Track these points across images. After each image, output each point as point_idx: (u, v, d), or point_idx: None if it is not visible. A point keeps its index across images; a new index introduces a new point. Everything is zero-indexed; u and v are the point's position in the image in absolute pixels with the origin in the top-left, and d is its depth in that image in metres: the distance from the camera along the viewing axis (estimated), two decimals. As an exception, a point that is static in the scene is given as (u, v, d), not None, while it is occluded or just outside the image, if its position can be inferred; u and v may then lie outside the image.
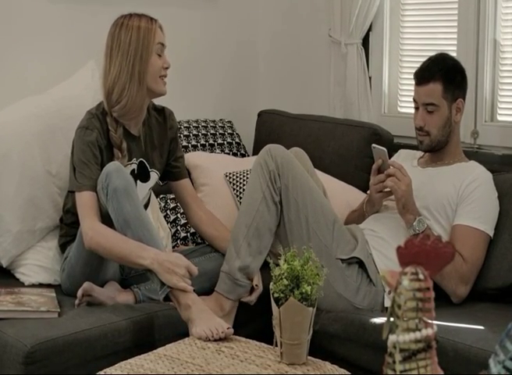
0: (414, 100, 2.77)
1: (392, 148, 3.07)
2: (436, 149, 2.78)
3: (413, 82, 2.79)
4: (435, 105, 2.71)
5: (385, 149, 2.70)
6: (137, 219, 2.41)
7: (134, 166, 2.66)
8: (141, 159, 2.68)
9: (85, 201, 2.48)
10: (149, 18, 2.60)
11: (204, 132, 3.44)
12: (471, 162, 2.80)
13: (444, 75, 2.70)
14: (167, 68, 2.61)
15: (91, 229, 2.43)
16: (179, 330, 2.35)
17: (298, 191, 2.60)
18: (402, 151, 3.01)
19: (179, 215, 3.09)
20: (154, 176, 2.74)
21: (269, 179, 2.59)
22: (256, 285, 2.61)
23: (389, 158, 2.78)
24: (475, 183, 2.68)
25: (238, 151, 3.51)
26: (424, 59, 2.80)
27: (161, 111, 2.77)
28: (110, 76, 2.57)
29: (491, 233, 2.66)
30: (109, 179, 2.42)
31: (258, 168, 2.62)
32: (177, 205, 3.10)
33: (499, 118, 3.14)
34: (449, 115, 2.73)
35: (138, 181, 2.67)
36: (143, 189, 2.70)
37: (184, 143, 3.32)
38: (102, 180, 2.44)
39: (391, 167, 2.66)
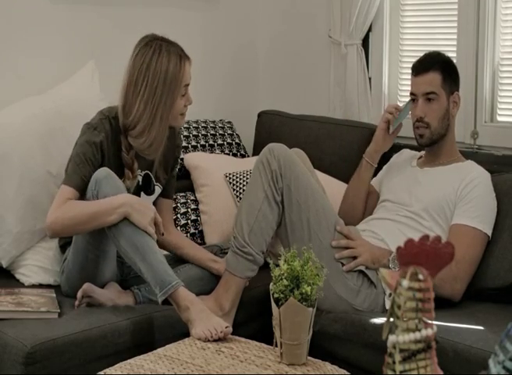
0: (412, 93, 2.78)
1: (393, 149, 3.07)
2: (436, 142, 2.77)
3: (413, 82, 2.80)
4: (435, 94, 2.72)
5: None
6: (129, 226, 2.38)
7: (139, 178, 2.65)
8: (147, 172, 2.66)
9: (64, 195, 2.46)
10: (179, 55, 2.53)
11: (204, 132, 3.43)
12: (469, 162, 2.80)
13: (443, 66, 2.74)
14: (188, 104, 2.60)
15: (51, 214, 2.43)
16: (179, 331, 2.35)
17: (300, 192, 2.59)
18: (404, 151, 3.02)
19: (179, 215, 3.08)
20: (158, 190, 2.73)
21: (271, 178, 2.58)
22: None
23: (389, 159, 2.80)
24: (473, 182, 2.68)
25: (238, 151, 3.51)
26: (423, 60, 2.82)
27: (171, 126, 2.75)
28: (134, 112, 2.51)
29: (489, 232, 2.65)
30: (99, 186, 2.40)
31: (260, 167, 2.60)
32: (177, 206, 3.10)
33: (499, 118, 3.15)
34: (447, 107, 2.74)
35: (142, 193, 2.66)
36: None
37: (184, 143, 3.32)
38: (92, 187, 2.42)
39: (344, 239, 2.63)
